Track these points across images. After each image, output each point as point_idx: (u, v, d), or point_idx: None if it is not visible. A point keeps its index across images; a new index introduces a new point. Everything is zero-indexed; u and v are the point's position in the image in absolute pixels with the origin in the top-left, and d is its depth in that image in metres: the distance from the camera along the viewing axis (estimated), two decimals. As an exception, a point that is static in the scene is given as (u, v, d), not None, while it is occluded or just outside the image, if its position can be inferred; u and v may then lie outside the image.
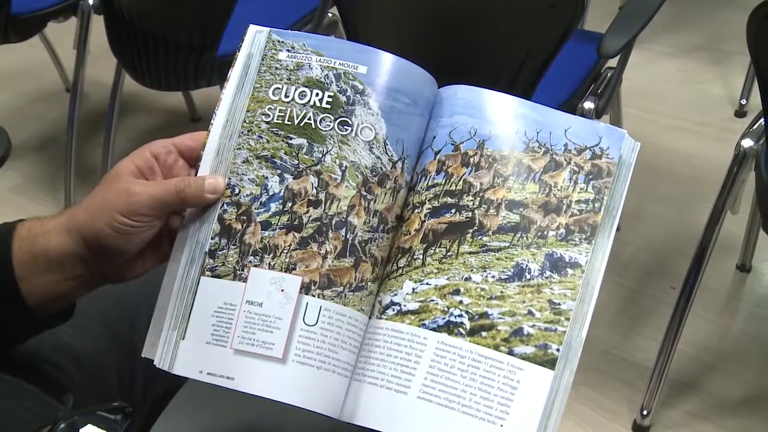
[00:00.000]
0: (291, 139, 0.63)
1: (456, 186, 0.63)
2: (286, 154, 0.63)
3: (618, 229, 0.61)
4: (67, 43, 2.38)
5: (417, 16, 1.43)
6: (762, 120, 1.31)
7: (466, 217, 0.62)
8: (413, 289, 0.61)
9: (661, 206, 2.02)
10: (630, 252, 1.88)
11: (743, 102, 2.35)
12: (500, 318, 0.58)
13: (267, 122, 0.64)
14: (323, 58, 0.65)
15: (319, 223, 0.62)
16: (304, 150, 0.63)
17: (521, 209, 0.61)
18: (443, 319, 0.59)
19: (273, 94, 0.64)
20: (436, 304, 0.60)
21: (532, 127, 0.63)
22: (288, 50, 0.65)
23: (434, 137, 0.64)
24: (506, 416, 0.56)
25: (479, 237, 0.61)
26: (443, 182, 0.63)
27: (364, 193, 0.62)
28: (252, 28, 0.67)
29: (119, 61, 1.93)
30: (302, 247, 0.61)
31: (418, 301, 0.60)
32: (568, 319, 0.58)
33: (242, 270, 0.61)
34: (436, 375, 0.58)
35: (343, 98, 0.64)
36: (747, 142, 1.35)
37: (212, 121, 0.65)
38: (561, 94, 1.52)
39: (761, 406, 1.51)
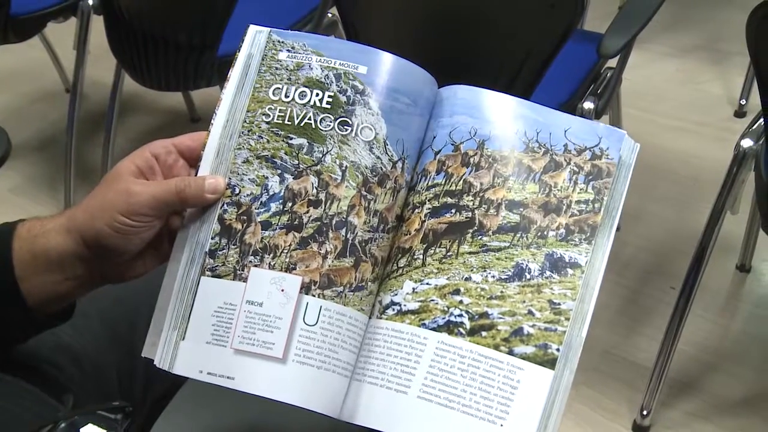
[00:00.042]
0: (291, 139, 0.63)
1: (456, 186, 0.63)
2: (286, 154, 0.63)
3: (618, 230, 0.61)
4: (67, 43, 2.38)
5: (417, 16, 1.43)
6: (761, 120, 1.31)
7: (466, 217, 0.62)
8: (413, 288, 0.61)
9: (661, 206, 2.02)
10: (630, 252, 1.88)
11: (743, 102, 2.35)
12: (500, 318, 0.58)
13: (267, 122, 0.64)
14: (323, 58, 0.65)
15: (319, 223, 0.62)
16: (305, 150, 0.63)
17: (521, 209, 0.61)
18: (443, 318, 0.59)
19: (273, 94, 0.64)
20: (436, 303, 0.60)
21: (532, 128, 0.63)
22: (288, 50, 0.65)
23: (434, 137, 0.64)
24: (506, 416, 0.56)
25: (479, 237, 0.61)
26: (443, 182, 0.63)
27: (364, 193, 0.62)
28: (252, 28, 0.67)
29: (119, 62, 1.93)
30: (302, 247, 0.61)
31: (418, 301, 0.60)
32: (568, 318, 0.58)
33: (242, 270, 0.61)
34: (436, 375, 0.58)
35: (343, 98, 0.64)
36: (746, 142, 1.35)
37: (212, 121, 0.65)
38: (561, 94, 1.53)
39: (761, 406, 1.51)
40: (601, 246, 0.60)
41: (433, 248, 0.62)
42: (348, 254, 0.61)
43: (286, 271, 0.60)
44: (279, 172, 0.63)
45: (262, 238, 0.61)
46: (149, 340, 0.62)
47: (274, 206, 0.62)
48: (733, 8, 2.37)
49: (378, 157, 0.63)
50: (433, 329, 0.59)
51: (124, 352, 0.79)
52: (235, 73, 0.65)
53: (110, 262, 0.63)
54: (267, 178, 0.63)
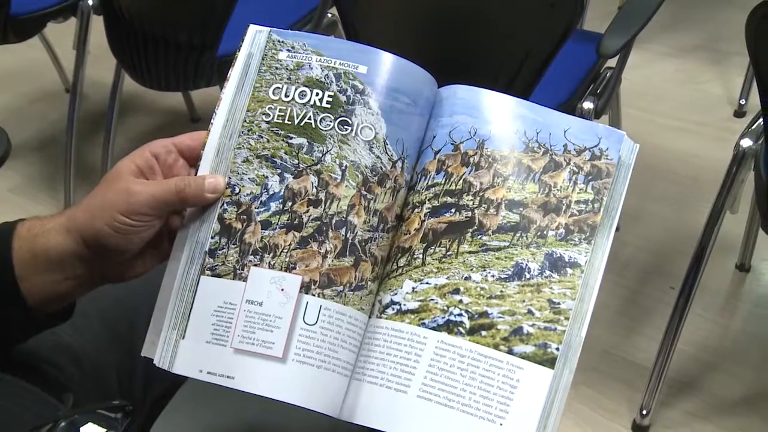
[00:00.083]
0: (291, 138, 0.63)
1: (456, 186, 0.63)
2: (286, 153, 0.63)
3: (617, 229, 0.61)
4: (67, 43, 2.38)
5: (417, 16, 1.43)
6: (761, 120, 1.31)
7: (465, 217, 0.62)
8: (413, 288, 0.61)
9: (661, 206, 2.02)
10: (629, 252, 1.88)
11: (742, 102, 2.35)
12: (500, 317, 0.58)
13: (267, 122, 0.64)
14: (323, 57, 0.65)
15: (319, 222, 0.62)
16: (304, 149, 0.63)
17: (521, 209, 0.61)
18: (443, 318, 0.59)
19: (273, 93, 0.65)
20: (436, 303, 0.60)
21: (531, 128, 0.63)
22: (288, 50, 0.66)
23: (434, 137, 0.64)
24: (506, 415, 0.56)
25: (479, 236, 0.61)
26: (443, 182, 0.63)
27: (364, 193, 0.63)
28: (252, 28, 0.67)
29: (119, 62, 1.93)
30: (302, 246, 0.61)
31: (418, 301, 0.60)
32: (567, 318, 0.58)
33: (242, 269, 0.61)
34: (436, 374, 0.58)
35: (343, 98, 0.64)
36: (746, 142, 1.35)
37: (212, 121, 0.65)
38: (560, 94, 1.53)
39: (761, 406, 1.51)
40: (600, 246, 0.60)
41: (432, 248, 0.62)
42: (348, 254, 0.61)
43: (285, 271, 0.60)
44: (279, 171, 0.63)
45: (261, 237, 0.62)
46: (149, 339, 0.62)
47: (273, 206, 0.62)
48: (733, 8, 2.37)
49: (378, 157, 0.63)
50: (433, 328, 0.59)
51: (124, 352, 0.79)
52: (235, 73, 0.65)
53: (110, 261, 0.63)
54: (267, 177, 0.63)
